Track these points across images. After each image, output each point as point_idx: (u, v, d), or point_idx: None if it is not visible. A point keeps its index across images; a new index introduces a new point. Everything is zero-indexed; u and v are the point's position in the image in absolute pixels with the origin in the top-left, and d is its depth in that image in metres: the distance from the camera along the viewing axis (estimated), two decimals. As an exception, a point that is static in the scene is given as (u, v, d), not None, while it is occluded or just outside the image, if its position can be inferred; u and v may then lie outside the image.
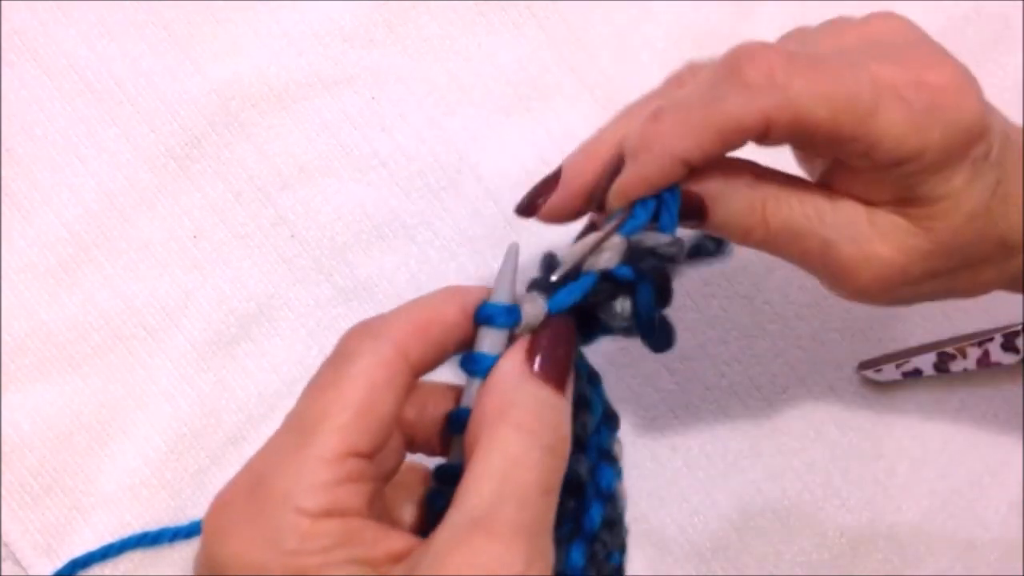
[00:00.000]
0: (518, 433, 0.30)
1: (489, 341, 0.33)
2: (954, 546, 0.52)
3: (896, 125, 0.33)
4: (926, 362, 0.52)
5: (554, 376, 0.32)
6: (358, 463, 0.30)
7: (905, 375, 0.52)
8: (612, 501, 0.34)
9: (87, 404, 0.50)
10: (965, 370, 0.52)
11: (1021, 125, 0.38)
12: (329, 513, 0.29)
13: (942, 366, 0.52)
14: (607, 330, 0.36)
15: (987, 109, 0.35)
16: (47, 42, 0.51)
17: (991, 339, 0.51)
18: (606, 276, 0.34)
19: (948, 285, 0.38)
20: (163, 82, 0.52)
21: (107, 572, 0.49)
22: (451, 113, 0.53)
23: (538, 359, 0.32)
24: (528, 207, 0.38)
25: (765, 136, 0.34)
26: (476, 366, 0.33)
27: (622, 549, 0.36)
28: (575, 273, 0.34)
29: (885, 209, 0.36)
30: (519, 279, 0.35)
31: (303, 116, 0.52)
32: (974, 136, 0.34)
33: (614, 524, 0.35)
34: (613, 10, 0.55)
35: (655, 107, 0.35)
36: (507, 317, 0.33)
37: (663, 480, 0.52)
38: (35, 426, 0.50)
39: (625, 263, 0.34)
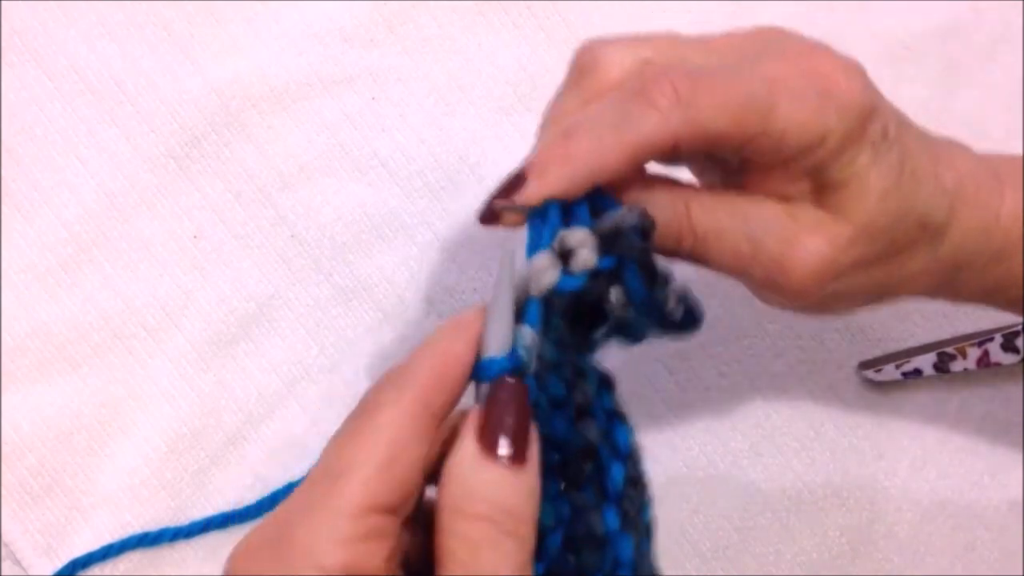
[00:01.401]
0: (476, 524, 0.30)
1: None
2: (954, 546, 0.52)
3: (795, 113, 0.35)
4: (926, 362, 0.52)
5: (510, 453, 0.31)
6: (381, 520, 0.30)
7: (905, 375, 0.52)
8: (631, 458, 0.34)
9: (87, 404, 0.50)
10: (965, 370, 0.52)
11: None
12: (349, 568, 0.29)
13: (942, 366, 0.52)
14: (623, 328, 0.36)
15: (875, 91, 0.37)
16: (47, 42, 0.51)
17: (991, 339, 0.51)
18: (595, 273, 0.33)
19: (881, 276, 0.39)
20: (163, 82, 0.52)
21: (107, 572, 0.49)
22: (451, 113, 0.53)
23: (490, 436, 0.31)
24: (491, 214, 0.37)
25: (674, 152, 0.36)
26: (486, 373, 0.33)
27: (649, 504, 0.35)
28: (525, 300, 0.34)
29: (803, 203, 0.37)
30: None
31: (303, 116, 0.52)
32: (867, 114, 0.36)
33: (637, 481, 0.34)
34: (613, 10, 0.55)
35: (563, 128, 0.36)
36: (506, 365, 0.32)
37: (663, 480, 0.52)
38: (35, 426, 0.50)
39: (603, 254, 0.34)
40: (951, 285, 0.40)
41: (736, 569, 0.51)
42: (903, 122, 0.38)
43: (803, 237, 0.37)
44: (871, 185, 0.36)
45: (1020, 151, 0.55)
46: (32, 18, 0.51)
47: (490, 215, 0.36)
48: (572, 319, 0.34)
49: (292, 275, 0.52)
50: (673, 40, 0.39)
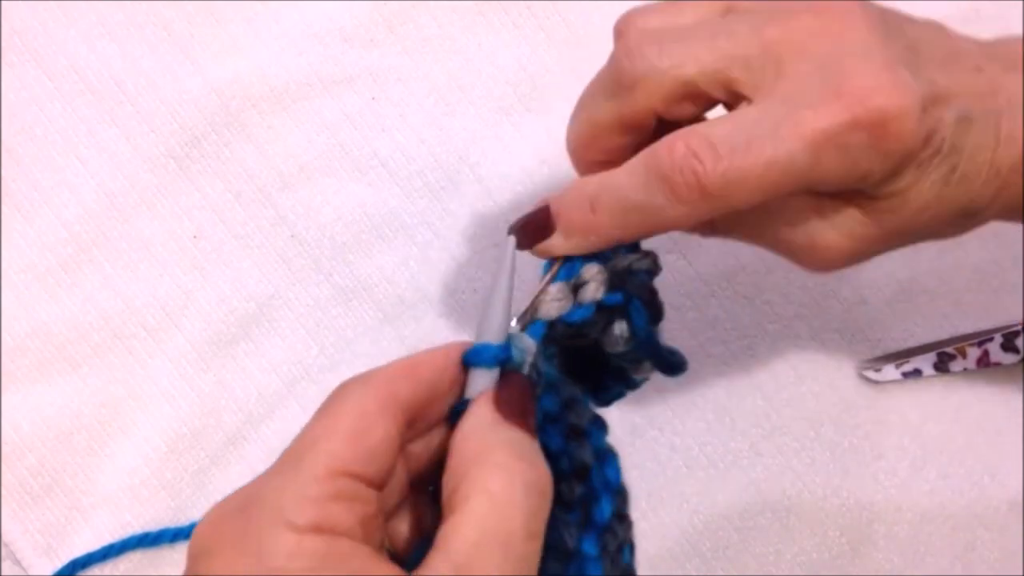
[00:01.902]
0: (500, 472, 0.30)
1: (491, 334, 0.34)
2: (954, 546, 0.52)
3: (837, 169, 0.34)
4: (926, 362, 0.52)
5: (523, 422, 0.32)
6: (350, 483, 0.30)
7: (905, 375, 0.52)
8: (620, 494, 0.35)
9: (87, 404, 0.50)
10: (965, 370, 0.52)
11: (1022, 125, 0.38)
12: (319, 528, 0.29)
13: (942, 366, 0.52)
14: (620, 377, 0.38)
15: (933, 112, 0.34)
16: (47, 42, 0.51)
17: (991, 339, 0.51)
18: (600, 306, 0.35)
19: (908, 244, 0.39)
20: (163, 82, 0.52)
21: (107, 572, 0.49)
22: (451, 113, 0.53)
23: (506, 407, 0.32)
24: (519, 241, 0.38)
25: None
26: (478, 357, 0.34)
27: (631, 546, 0.36)
28: (531, 319, 0.36)
29: (833, 199, 0.36)
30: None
31: (303, 116, 0.52)
32: (916, 151, 0.34)
33: (624, 518, 0.35)
34: (613, 10, 0.54)
35: (592, 193, 0.36)
36: (499, 354, 0.34)
37: (663, 480, 0.52)
38: (35, 426, 0.50)
39: (610, 290, 0.36)
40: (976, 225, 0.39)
41: (736, 569, 0.51)
42: (968, 119, 0.35)
43: (826, 232, 0.36)
44: (911, 202, 0.35)
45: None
46: (32, 18, 0.51)
47: (517, 241, 0.38)
48: (571, 356, 0.36)
49: (292, 275, 0.52)
50: (721, 48, 0.35)
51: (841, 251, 0.37)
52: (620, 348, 0.36)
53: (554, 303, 0.36)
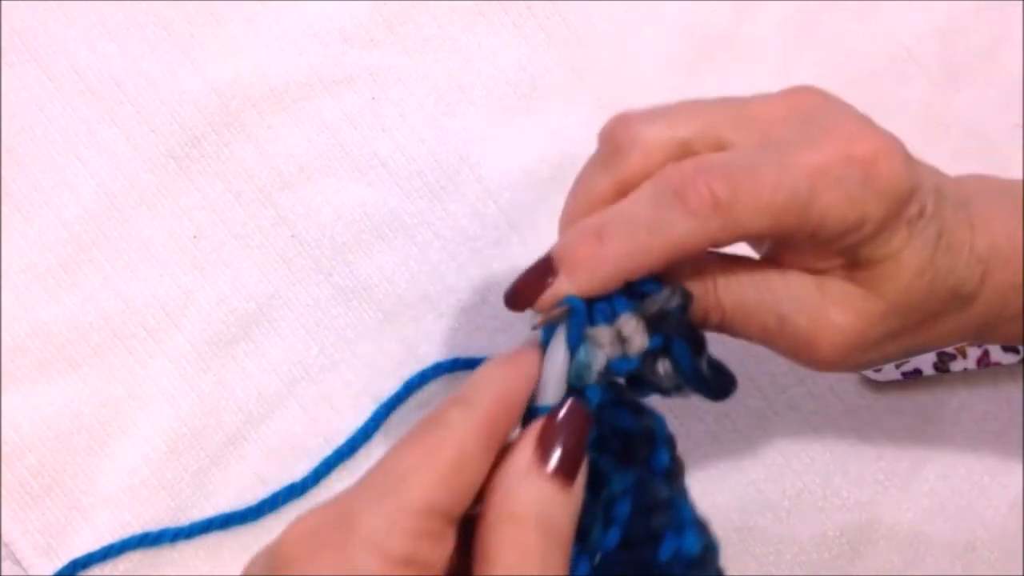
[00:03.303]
0: (527, 532, 0.31)
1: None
2: (954, 546, 0.52)
3: (834, 205, 0.34)
4: (926, 362, 0.52)
5: (563, 469, 0.32)
6: (440, 524, 0.30)
7: (905, 375, 0.52)
8: (671, 442, 0.36)
9: (87, 404, 0.50)
10: (965, 370, 0.52)
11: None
12: (410, 562, 0.29)
13: (942, 366, 0.52)
14: (663, 390, 0.38)
15: (916, 170, 0.36)
16: (47, 42, 0.51)
17: (991, 339, 0.51)
18: (646, 353, 0.35)
19: (910, 343, 0.39)
20: (163, 82, 0.52)
21: (107, 572, 0.49)
22: (451, 113, 0.53)
23: (547, 447, 0.32)
24: (518, 300, 0.37)
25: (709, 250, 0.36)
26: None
27: (683, 474, 0.37)
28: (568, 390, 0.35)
29: (834, 277, 0.37)
30: None
31: (303, 116, 0.52)
32: (905, 199, 0.35)
33: (676, 458, 0.36)
34: (613, 10, 0.55)
35: (596, 224, 0.35)
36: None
37: (663, 480, 0.52)
38: (35, 426, 0.50)
39: (651, 337, 0.35)
40: (981, 335, 0.40)
41: (736, 569, 0.51)
42: (942, 194, 0.37)
43: (832, 313, 0.36)
44: (905, 264, 0.36)
45: (1020, 151, 0.55)
46: (32, 18, 0.51)
47: (515, 301, 0.36)
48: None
49: (292, 275, 0.52)
50: (710, 115, 0.37)
51: (845, 330, 0.37)
52: (667, 384, 0.37)
53: (636, 340, 0.35)
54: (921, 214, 0.36)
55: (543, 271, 0.35)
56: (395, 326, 0.52)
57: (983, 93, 0.56)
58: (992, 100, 0.56)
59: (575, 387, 0.34)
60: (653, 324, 0.35)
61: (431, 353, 0.52)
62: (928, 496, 0.52)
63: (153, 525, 0.50)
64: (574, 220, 0.37)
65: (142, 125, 0.52)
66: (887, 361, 0.40)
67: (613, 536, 0.34)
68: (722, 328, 0.38)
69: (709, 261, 0.38)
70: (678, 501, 0.36)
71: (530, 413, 0.34)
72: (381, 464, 0.32)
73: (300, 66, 0.53)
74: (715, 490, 0.52)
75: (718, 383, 0.37)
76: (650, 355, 0.36)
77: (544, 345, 0.35)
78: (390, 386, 0.51)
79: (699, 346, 0.37)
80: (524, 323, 0.52)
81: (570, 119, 0.54)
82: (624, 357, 0.35)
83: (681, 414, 0.52)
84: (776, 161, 0.34)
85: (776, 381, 0.53)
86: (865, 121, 0.36)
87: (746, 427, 0.52)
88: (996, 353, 0.52)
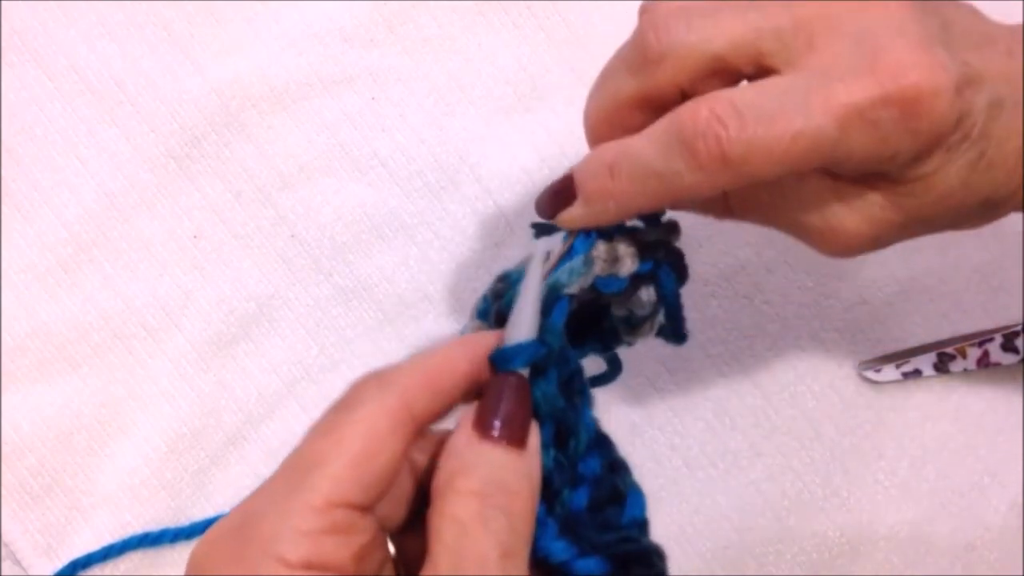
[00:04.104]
0: (466, 499, 0.30)
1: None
2: (954, 546, 0.52)
3: (864, 144, 0.33)
4: (926, 362, 0.52)
5: (507, 434, 0.31)
6: (348, 515, 0.29)
7: (905, 375, 0.52)
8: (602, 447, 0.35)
9: (87, 404, 0.50)
10: (965, 370, 0.52)
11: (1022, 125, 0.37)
12: (309, 565, 0.28)
13: (942, 366, 0.52)
14: (632, 322, 0.38)
15: (971, 91, 0.33)
16: (47, 42, 0.51)
17: (991, 339, 0.51)
18: (634, 276, 0.36)
19: (924, 235, 0.38)
20: (163, 82, 0.52)
21: (107, 572, 0.49)
22: (451, 113, 0.53)
23: (489, 420, 0.31)
24: (543, 210, 0.38)
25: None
26: (509, 359, 0.33)
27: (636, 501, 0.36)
28: (553, 297, 0.35)
29: (854, 182, 0.35)
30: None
31: (303, 116, 0.52)
32: (947, 133, 0.33)
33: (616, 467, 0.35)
34: (613, 10, 0.55)
35: (611, 159, 0.35)
36: (532, 352, 0.33)
37: (663, 480, 0.52)
38: (35, 426, 0.50)
39: (642, 262, 0.36)
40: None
41: (736, 569, 0.51)
42: (1001, 105, 0.34)
43: (845, 218, 0.35)
44: (935, 187, 0.34)
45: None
46: (32, 18, 0.51)
47: (541, 210, 0.38)
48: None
49: (292, 275, 0.52)
50: (751, 21, 0.34)
51: (859, 236, 0.36)
52: (645, 311, 0.37)
53: (626, 262, 0.36)
54: (965, 137, 0.34)
55: (565, 190, 0.36)
56: (395, 326, 0.52)
57: (983, 93, 0.56)
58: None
59: (553, 292, 0.34)
60: (645, 250, 0.36)
61: (431, 353, 0.52)
62: (928, 496, 0.52)
63: (153, 525, 0.50)
64: (597, 119, 0.37)
65: (142, 125, 0.52)
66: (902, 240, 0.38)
67: (581, 496, 0.33)
68: (731, 218, 0.38)
69: None
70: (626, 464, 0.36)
71: (499, 357, 0.33)
72: (291, 455, 0.31)
73: (300, 66, 0.53)
74: (715, 490, 0.52)
75: (682, 326, 0.38)
76: (636, 278, 0.37)
77: (516, 281, 0.35)
78: (390, 386, 0.51)
79: (683, 275, 0.38)
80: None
81: (570, 119, 0.54)
82: (614, 276, 0.36)
83: (681, 412, 0.52)
84: (804, 101, 0.32)
85: (776, 381, 0.53)
86: (922, 44, 0.33)
87: (746, 426, 0.52)
88: (996, 353, 0.52)
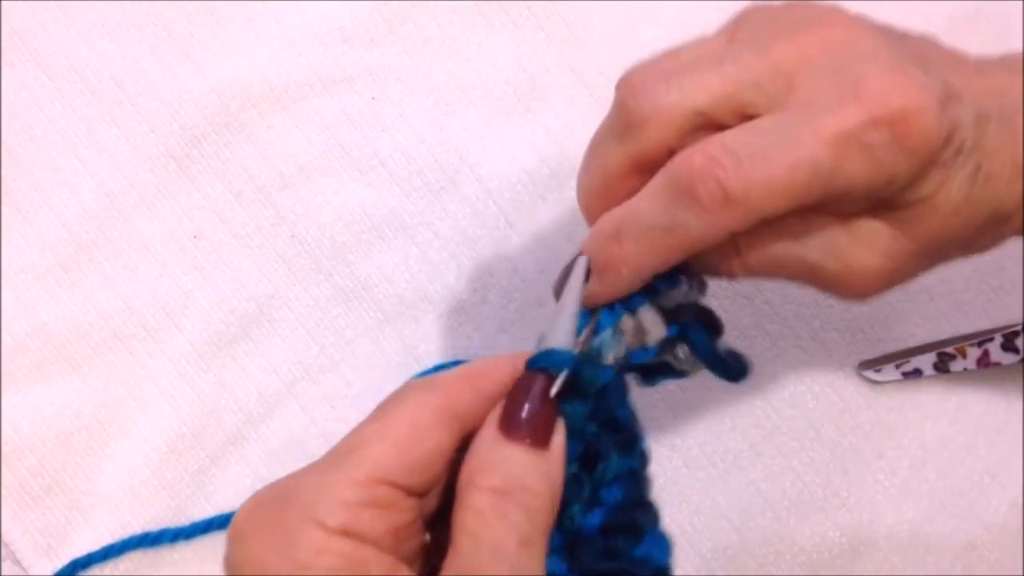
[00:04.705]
0: (486, 495, 0.31)
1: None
2: (954, 546, 0.52)
3: (861, 171, 0.33)
4: (926, 362, 0.52)
5: (530, 434, 0.32)
6: (390, 492, 0.31)
7: (905, 375, 0.52)
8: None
9: (87, 404, 0.50)
10: (965, 370, 0.52)
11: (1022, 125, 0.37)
12: (347, 532, 0.30)
13: (942, 366, 0.52)
14: (681, 372, 0.38)
15: (955, 107, 0.34)
16: (47, 42, 0.51)
17: (991, 339, 0.51)
18: (664, 341, 0.36)
19: (942, 262, 0.38)
20: (163, 82, 0.52)
21: (107, 572, 0.49)
22: (451, 113, 0.53)
23: (513, 418, 0.32)
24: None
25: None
26: (544, 362, 0.34)
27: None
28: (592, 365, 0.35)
29: (861, 217, 0.35)
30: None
31: (303, 116, 0.52)
32: (939, 149, 0.34)
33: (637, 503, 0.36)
34: (613, 10, 0.55)
35: (614, 226, 0.35)
36: (558, 362, 0.33)
37: (663, 480, 0.52)
38: (35, 426, 0.50)
39: (669, 328, 0.36)
40: (1012, 236, 0.39)
41: (736, 569, 0.51)
42: (988, 118, 0.35)
43: (861, 256, 0.35)
44: (939, 207, 0.35)
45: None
46: (32, 18, 0.51)
47: (558, 295, 0.37)
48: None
49: (292, 275, 0.52)
50: (728, 74, 0.34)
51: (878, 272, 0.36)
52: (686, 367, 0.37)
53: (653, 332, 0.36)
54: (959, 152, 0.34)
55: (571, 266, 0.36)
56: (395, 326, 0.52)
57: (983, 93, 0.56)
58: (992, 100, 0.56)
59: (593, 359, 0.35)
60: (671, 314, 0.36)
61: (431, 353, 0.52)
62: (928, 496, 0.52)
63: (153, 525, 0.50)
64: (591, 194, 0.37)
65: (142, 125, 0.52)
66: (922, 272, 0.38)
67: (596, 517, 0.34)
68: (748, 277, 0.37)
69: None
70: (656, 511, 0.36)
71: (531, 361, 0.33)
72: (336, 444, 0.32)
73: (300, 66, 0.53)
74: (715, 490, 0.52)
75: (735, 365, 0.38)
76: (669, 342, 0.37)
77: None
78: (390, 386, 0.51)
79: (716, 330, 0.37)
80: (524, 323, 0.52)
81: (570, 119, 0.54)
82: (643, 347, 0.36)
83: (681, 413, 0.52)
84: (795, 135, 0.32)
85: (776, 381, 0.53)
86: (897, 65, 0.33)
87: (746, 427, 0.52)
88: (996, 353, 0.52)
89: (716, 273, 0.37)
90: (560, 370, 0.33)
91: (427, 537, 0.34)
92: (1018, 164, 0.35)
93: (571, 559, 0.33)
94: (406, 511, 0.31)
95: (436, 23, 0.54)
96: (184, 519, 0.50)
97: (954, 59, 0.36)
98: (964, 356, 0.52)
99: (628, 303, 0.36)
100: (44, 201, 0.51)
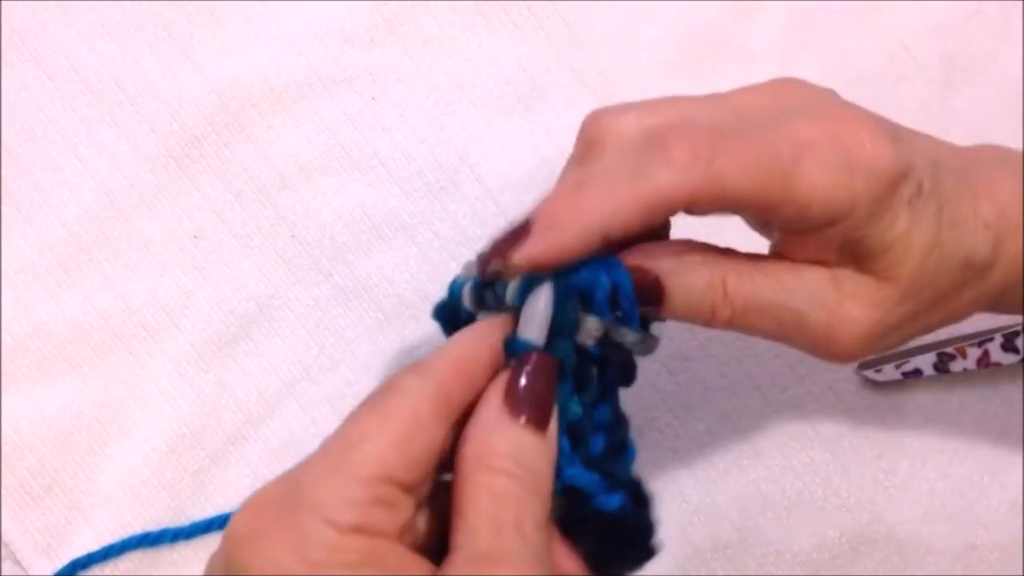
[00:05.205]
0: (499, 477, 0.31)
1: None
2: (954, 546, 0.52)
3: (819, 184, 0.34)
4: (926, 362, 0.52)
5: (533, 416, 0.32)
6: (393, 491, 0.31)
7: (905, 375, 0.52)
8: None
9: (87, 404, 0.50)
10: (965, 370, 0.52)
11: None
12: (359, 530, 0.30)
13: (942, 366, 0.52)
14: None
15: (907, 148, 0.35)
16: (47, 42, 0.51)
17: (991, 339, 0.51)
18: (579, 350, 0.35)
19: (929, 320, 0.39)
20: (163, 82, 0.52)
21: (107, 572, 0.49)
22: (451, 113, 0.53)
23: (515, 398, 0.33)
24: (487, 265, 0.35)
25: (691, 209, 0.34)
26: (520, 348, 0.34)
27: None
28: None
29: (846, 268, 0.37)
30: None
31: (303, 116, 0.52)
32: (897, 179, 0.35)
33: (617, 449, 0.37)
34: (613, 10, 0.55)
35: (575, 177, 0.35)
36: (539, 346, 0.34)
37: (663, 480, 0.52)
38: (35, 426, 0.50)
39: (596, 346, 0.35)
40: (1001, 303, 0.40)
41: (736, 569, 0.51)
42: (940, 166, 0.37)
43: (848, 306, 0.36)
44: (913, 245, 0.36)
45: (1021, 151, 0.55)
46: (32, 18, 0.51)
47: (484, 267, 0.35)
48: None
49: (292, 275, 0.52)
50: (685, 105, 0.36)
51: (863, 321, 0.36)
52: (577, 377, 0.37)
53: (581, 334, 0.35)
54: (919, 192, 0.36)
55: (520, 232, 0.34)
56: (395, 326, 0.52)
57: (983, 93, 0.56)
58: (992, 100, 0.56)
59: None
60: (605, 342, 0.35)
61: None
62: (928, 496, 0.52)
63: (153, 525, 0.50)
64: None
65: (142, 125, 0.52)
66: (906, 342, 0.39)
67: (599, 441, 0.35)
68: (731, 325, 0.37)
69: (719, 257, 0.37)
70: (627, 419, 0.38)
71: (511, 347, 0.34)
72: (335, 434, 0.32)
73: (300, 66, 0.53)
74: (715, 490, 0.52)
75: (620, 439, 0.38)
76: (584, 353, 0.35)
77: (518, 304, 0.35)
78: (390, 386, 0.51)
79: (627, 381, 0.37)
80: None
81: (570, 119, 0.54)
82: (567, 339, 0.35)
83: (681, 414, 0.52)
84: (765, 132, 0.34)
85: (776, 381, 0.53)
86: (850, 107, 0.36)
87: (746, 427, 0.52)
88: (996, 353, 0.52)
89: (699, 311, 0.37)
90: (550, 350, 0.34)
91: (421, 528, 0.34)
92: (980, 216, 0.37)
93: (603, 475, 0.35)
94: (408, 508, 0.31)
95: (436, 23, 0.54)
96: (184, 519, 0.50)
97: (905, 127, 0.38)
98: (964, 356, 0.52)
99: (584, 294, 0.35)
100: (44, 201, 0.51)
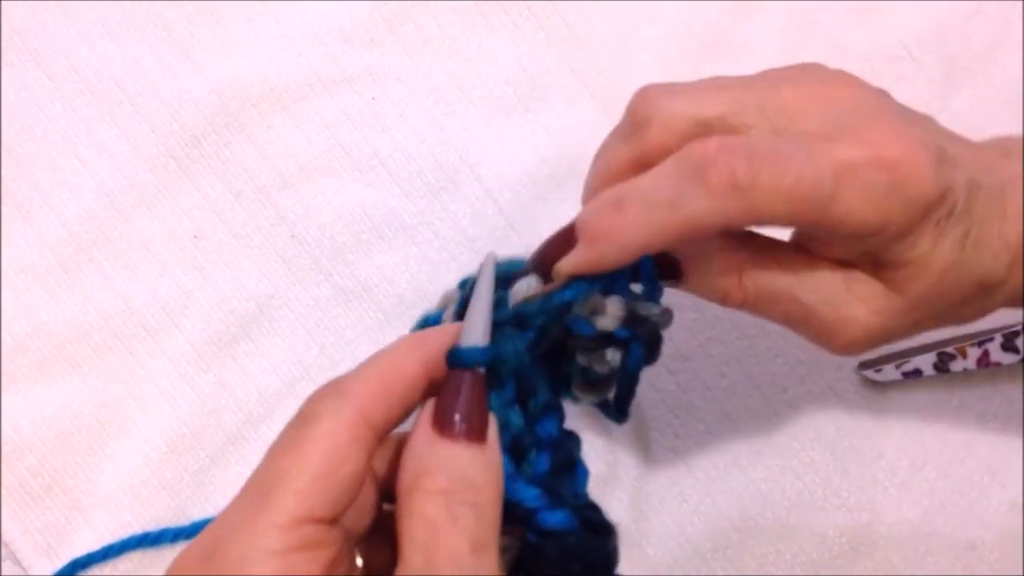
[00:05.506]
0: (433, 498, 0.30)
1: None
2: (954, 546, 0.52)
3: (857, 208, 0.34)
4: (926, 362, 0.52)
5: (465, 430, 0.31)
6: (316, 530, 0.30)
7: (905, 375, 0.52)
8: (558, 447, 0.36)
9: (87, 404, 0.50)
10: (965, 370, 0.52)
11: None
12: None
13: (942, 366, 0.52)
14: (564, 384, 0.39)
15: (948, 170, 0.35)
16: (47, 42, 0.51)
17: (991, 339, 0.51)
18: (606, 335, 0.36)
19: (932, 327, 0.39)
20: (163, 82, 0.52)
21: (107, 572, 0.49)
22: (451, 113, 0.53)
23: (448, 417, 0.32)
24: (543, 265, 0.37)
25: (726, 230, 0.36)
26: (464, 358, 0.34)
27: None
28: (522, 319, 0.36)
29: (860, 272, 0.37)
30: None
31: (303, 116, 0.52)
32: (933, 205, 0.35)
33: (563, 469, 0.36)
34: (613, 10, 0.55)
35: (616, 195, 0.35)
36: (481, 357, 0.34)
37: (663, 480, 0.52)
38: (35, 426, 0.50)
39: (622, 327, 0.36)
40: (1007, 305, 0.40)
41: (736, 569, 0.51)
42: (976, 185, 0.36)
43: (856, 309, 0.37)
44: (930, 266, 0.36)
45: (1020, 151, 0.55)
46: (32, 18, 0.51)
47: (540, 266, 0.37)
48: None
49: (292, 275, 0.52)
50: (737, 98, 0.36)
51: (866, 326, 0.37)
52: (603, 371, 0.37)
53: (608, 319, 0.36)
54: (950, 214, 0.36)
55: (566, 238, 0.36)
56: (395, 326, 0.52)
57: (983, 93, 0.56)
58: (992, 100, 0.56)
59: (515, 311, 0.35)
60: (632, 321, 0.36)
61: (431, 353, 0.52)
62: (928, 496, 0.53)
63: (153, 525, 0.50)
64: (594, 190, 0.38)
65: (142, 125, 0.52)
66: (908, 338, 0.40)
67: (544, 460, 0.34)
68: (743, 308, 0.38)
69: (737, 243, 0.38)
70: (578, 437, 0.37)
71: (451, 359, 0.33)
72: (254, 474, 0.31)
73: (300, 66, 0.53)
74: (715, 490, 0.52)
75: (626, 408, 0.39)
76: (606, 338, 0.36)
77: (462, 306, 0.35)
78: (390, 386, 0.51)
79: (652, 358, 0.38)
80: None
81: (570, 119, 0.54)
82: (587, 322, 0.36)
83: (681, 414, 0.52)
84: (809, 153, 0.34)
85: (776, 381, 0.53)
86: (899, 122, 0.35)
87: (746, 427, 0.52)
88: (996, 353, 0.52)
89: (713, 293, 0.38)
90: (482, 364, 0.33)
91: (359, 560, 0.34)
92: (1004, 237, 0.37)
93: (547, 492, 0.33)
94: (334, 543, 0.31)
95: (436, 23, 0.54)
96: (184, 519, 0.50)
97: (950, 134, 0.38)
98: (964, 356, 0.52)
99: (606, 285, 0.36)
100: (44, 201, 0.51)
